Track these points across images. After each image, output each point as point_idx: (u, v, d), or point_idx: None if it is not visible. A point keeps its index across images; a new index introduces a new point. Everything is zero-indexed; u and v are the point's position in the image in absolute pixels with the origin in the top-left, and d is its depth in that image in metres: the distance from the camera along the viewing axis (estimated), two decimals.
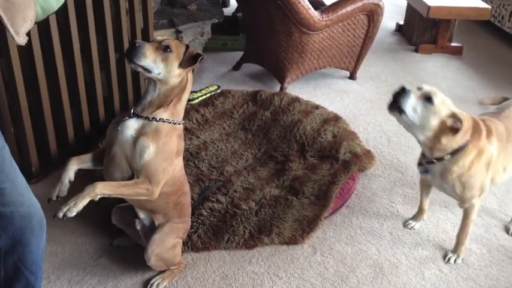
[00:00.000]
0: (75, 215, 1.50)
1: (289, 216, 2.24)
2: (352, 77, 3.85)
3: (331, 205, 2.33)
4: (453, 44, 4.38)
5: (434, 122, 1.82)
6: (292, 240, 2.16)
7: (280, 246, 2.14)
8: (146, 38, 2.91)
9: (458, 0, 4.21)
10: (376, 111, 3.36)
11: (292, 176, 2.54)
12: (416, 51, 4.35)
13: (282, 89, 3.54)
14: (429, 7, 4.00)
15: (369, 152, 2.79)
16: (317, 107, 3.08)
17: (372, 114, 3.32)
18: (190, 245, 2.10)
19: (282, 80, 3.56)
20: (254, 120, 2.99)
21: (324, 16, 3.38)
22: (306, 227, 2.21)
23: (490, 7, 4.11)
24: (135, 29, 2.84)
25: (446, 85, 3.73)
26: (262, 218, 2.23)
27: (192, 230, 2.12)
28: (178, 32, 3.32)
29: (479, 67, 4.11)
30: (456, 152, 1.87)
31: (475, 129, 1.90)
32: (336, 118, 2.99)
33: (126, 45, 2.76)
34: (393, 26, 4.91)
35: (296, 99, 3.12)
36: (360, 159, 2.66)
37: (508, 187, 2.59)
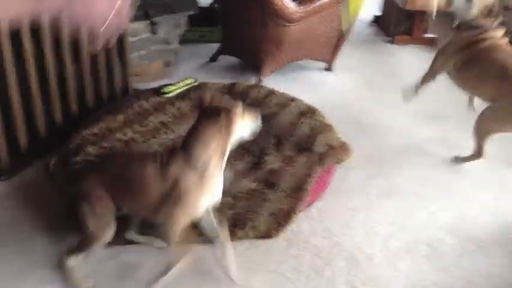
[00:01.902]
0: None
1: (264, 209, 2.23)
2: (329, 68, 3.86)
3: (307, 198, 2.34)
4: (428, 35, 4.42)
5: None
6: (267, 234, 2.15)
7: (255, 240, 2.14)
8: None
9: None
10: (352, 103, 3.38)
11: (268, 169, 2.53)
12: (392, 42, 4.39)
13: (259, 81, 3.53)
14: None
15: (344, 144, 2.80)
16: (293, 99, 3.07)
17: (348, 106, 3.34)
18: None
19: (259, 72, 3.55)
20: None
21: (300, 7, 3.37)
22: (281, 220, 2.20)
23: None
24: None
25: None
26: (237, 212, 2.22)
27: None
28: (153, 23, 3.28)
29: None
30: None
31: None
32: (313, 110, 2.99)
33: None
34: (370, 17, 4.93)
35: (272, 92, 3.12)
36: (336, 152, 2.66)
37: (478, 178, 2.64)
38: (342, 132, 2.97)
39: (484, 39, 2.60)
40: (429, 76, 2.84)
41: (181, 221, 1.68)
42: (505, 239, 2.24)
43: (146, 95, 3.04)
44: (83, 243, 1.73)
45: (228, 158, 1.81)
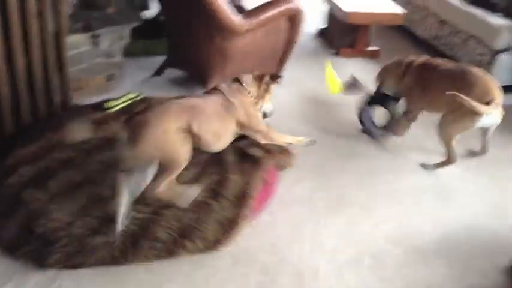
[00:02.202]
0: None
1: (211, 219, 2.22)
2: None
3: (252, 204, 2.33)
4: (371, 48, 4.54)
5: None
6: (216, 244, 2.14)
7: (201, 259, 2.10)
8: (58, 43, 2.76)
9: (374, 6, 4.37)
10: (298, 114, 3.41)
11: (213, 179, 2.51)
12: (337, 55, 4.47)
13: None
14: (347, 13, 4.12)
15: (284, 148, 2.81)
16: None
17: (294, 117, 3.36)
18: (107, 256, 2.02)
19: (205, 85, 3.51)
20: None
21: (246, 21, 3.37)
22: (228, 228, 2.19)
23: (404, 12, 4.30)
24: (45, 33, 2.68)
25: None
26: (186, 223, 2.18)
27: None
28: (95, 36, 3.18)
29: None
30: None
31: None
32: None
33: (35, 50, 2.59)
34: (315, 30, 5.02)
35: None
36: (275, 155, 2.69)
37: (419, 188, 2.72)
38: (288, 144, 2.99)
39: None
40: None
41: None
42: (445, 248, 2.30)
43: (87, 111, 2.94)
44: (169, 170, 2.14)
45: None
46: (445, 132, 2.76)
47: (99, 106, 3.00)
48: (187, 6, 3.27)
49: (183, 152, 2.19)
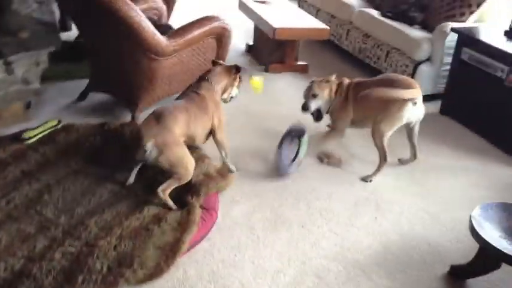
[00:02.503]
0: None
1: (150, 245, 2.12)
2: None
3: (194, 229, 2.25)
4: (299, 63, 4.59)
5: None
6: (157, 270, 2.04)
7: None
8: None
9: (301, 21, 4.43)
10: (231, 133, 3.34)
11: (154, 205, 2.40)
12: (266, 70, 4.47)
13: (133, 118, 3.35)
14: (275, 29, 4.14)
15: (222, 170, 2.76)
16: None
17: (229, 137, 3.29)
18: None
19: (133, 108, 3.37)
20: (104, 154, 2.78)
21: (171, 41, 3.28)
22: (169, 251, 2.11)
23: (329, 27, 4.39)
24: None
25: (295, 101, 3.87)
26: (122, 251, 2.07)
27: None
28: (7, 63, 2.96)
29: None
30: None
31: None
32: None
33: None
34: (243, 46, 5.01)
35: None
36: (215, 179, 2.64)
37: (354, 201, 2.73)
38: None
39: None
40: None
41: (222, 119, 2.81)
42: (385, 260, 2.31)
43: (3, 143, 2.72)
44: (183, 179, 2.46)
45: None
46: (378, 132, 2.85)
47: (16, 137, 2.78)
48: (108, 28, 3.13)
49: (192, 163, 2.48)
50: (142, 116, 3.36)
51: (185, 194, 2.48)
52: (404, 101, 2.78)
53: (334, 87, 3.04)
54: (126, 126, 2.95)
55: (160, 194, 2.39)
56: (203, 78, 2.81)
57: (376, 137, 2.88)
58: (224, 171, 2.73)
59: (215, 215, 2.47)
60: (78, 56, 3.93)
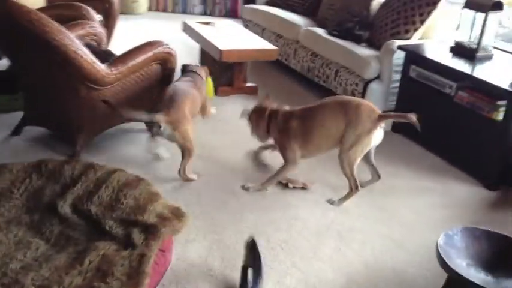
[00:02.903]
0: None
1: None
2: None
3: (146, 281, 2.02)
4: (248, 85, 4.48)
5: None
6: None
7: None
8: None
9: (248, 42, 4.33)
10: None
11: (98, 255, 2.15)
12: (216, 94, 4.33)
13: (75, 154, 3.11)
14: (221, 51, 4.01)
15: (178, 209, 2.56)
16: (115, 170, 2.72)
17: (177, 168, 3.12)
18: None
19: (73, 143, 3.13)
20: (41, 198, 2.51)
21: (113, 69, 3.08)
22: None
23: (277, 48, 4.32)
24: None
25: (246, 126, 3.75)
26: None
27: None
28: None
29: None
30: None
31: None
32: (138, 179, 2.66)
33: None
34: None
35: (91, 166, 2.72)
36: (170, 221, 2.38)
37: (316, 233, 2.62)
38: (175, 199, 2.74)
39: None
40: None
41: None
42: None
43: None
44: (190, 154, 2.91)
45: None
46: (348, 160, 2.75)
47: None
48: (42, 58, 2.90)
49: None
50: (85, 151, 3.14)
51: (136, 236, 2.27)
52: (376, 124, 2.71)
53: (266, 116, 2.93)
54: (66, 165, 2.69)
55: (183, 177, 2.90)
56: (189, 66, 3.43)
57: (346, 165, 2.76)
58: (179, 211, 2.53)
59: (169, 258, 2.28)
60: (12, 87, 3.64)
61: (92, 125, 3.17)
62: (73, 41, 2.83)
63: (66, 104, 3.08)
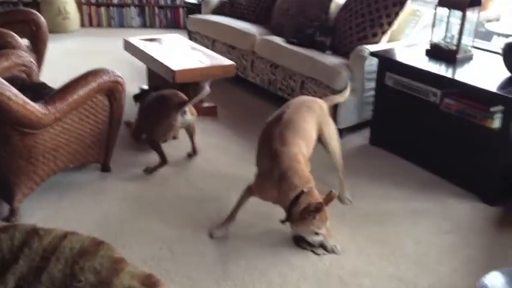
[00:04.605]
0: None
1: None
2: (105, 169, 3.11)
3: None
4: (206, 105, 4.05)
5: None
6: None
7: None
8: None
9: (201, 59, 3.90)
10: (146, 211, 2.70)
11: None
12: None
13: (12, 212, 2.59)
14: (174, 72, 3.56)
15: (149, 278, 2.10)
16: (65, 235, 2.19)
17: (142, 217, 2.65)
18: None
19: (10, 199, 2.61)
20: None
21: (50, 108, 2.57)
22: None
23: (234, 63, 3.91)
24: None
25: (214, 156, 3.33)
26: None
27: None
28: None
29: (233, 123, 3.89)
30: None
31: None
32: (96, 244, 2.14)
33: None
34: (136, 91, 4.34)
35: (34, 232, 2.19)
36: None
37: (313, 284, 2.24)
38: (143, 259, 2.28)
39: None
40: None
41: None
42: None
43: None
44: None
45: None
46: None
47: None
48: None
49: None
50: (23, 207, 2.62)
51: None
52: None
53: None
54: (2, 233, 2.16)
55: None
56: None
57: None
58: (152, 280, 2.07)
59: None
60: None
61: (30, 175, 2.64)
62: None
63: None
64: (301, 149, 2.41)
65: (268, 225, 2.58)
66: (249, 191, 2.48)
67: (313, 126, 2.55)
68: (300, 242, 2.42)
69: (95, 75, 2.78)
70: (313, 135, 2.55)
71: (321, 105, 2.68)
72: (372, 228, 2.61)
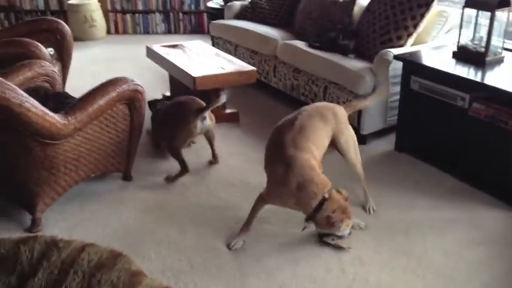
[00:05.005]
0: None
1: None
2: (127, 177, 3.11)
3: None
4: (228, 111, 4.02)
5: None
6: None
7: None
8: None
9: (223, 65, 3.86)
10: (166, 221, 2.68)
11: None
12: None
13: (34, 222, 2.61)
14: (194, 78, 3.54)
15: None
16: (84, 247, 2.20)
17: (162, 228, 2.63)
18: None
19: (32, 210, 2.63)
20: None
21: (70, 118, 2.58)
22: None
23: (255, 68, 3.86)
24: None
25: (235, 164, 3.29)
26: None
27: None
28: None
29: (255, 129, 3.83)
30: None
31: None
32: (114, 256, 2.13)
33: None
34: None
35: (53, 244, 2.19)
36: None
37: None
38: (162, 270, 2.25)
39: None
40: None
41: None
42: None
43: None
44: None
45: None
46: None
47: None
48: None
49: None
50: (45, 217, 2.63)
51: None
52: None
53: None
54: (22, 245, 2.17)
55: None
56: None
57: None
58: None
59: None
60: None
61: (51, 186, 2.66)
62: (16, 92, 2.32)
63: (20, 166, 2.57)
64: (313, 153, 2.39)
65: (288, 234, 2.52)
66: (262, 199, 2.45)
67: (324, 134, 2.49)
68: (325, 238, 2.45)
69: (114, 84, 2.78)
70: (324, 143, 2.50)
71: (336, 113, 2.57)
72: (397, 239, 2.51)
